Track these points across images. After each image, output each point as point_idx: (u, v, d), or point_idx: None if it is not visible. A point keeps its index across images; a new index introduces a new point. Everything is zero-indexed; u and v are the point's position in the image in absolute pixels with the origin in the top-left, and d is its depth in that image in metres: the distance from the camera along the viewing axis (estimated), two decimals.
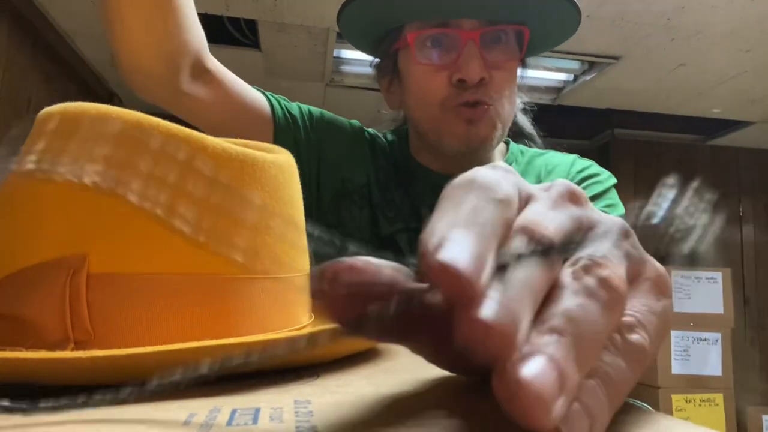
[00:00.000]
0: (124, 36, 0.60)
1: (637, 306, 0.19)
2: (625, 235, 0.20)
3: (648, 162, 3.14)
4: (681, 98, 2.52)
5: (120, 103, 2.49)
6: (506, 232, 0.18)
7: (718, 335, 2.49)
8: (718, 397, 2.44)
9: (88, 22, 1.91)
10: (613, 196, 0.74)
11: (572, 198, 0.20)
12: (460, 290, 0.15)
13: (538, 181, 0.73)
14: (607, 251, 0.18)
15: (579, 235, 0.19)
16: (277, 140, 0.70)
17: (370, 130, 0.80)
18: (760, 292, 3.18)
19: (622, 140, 3.10)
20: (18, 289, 0.29)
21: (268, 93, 0.74)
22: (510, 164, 0.74)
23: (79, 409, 0.19)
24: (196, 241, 0.31)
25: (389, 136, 0.80)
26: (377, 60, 0.76)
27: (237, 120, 0.70)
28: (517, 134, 0.83)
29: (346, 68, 2.44)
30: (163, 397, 0.23)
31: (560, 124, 2.25)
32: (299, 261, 0.37)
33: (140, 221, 0.30)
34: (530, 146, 0.83)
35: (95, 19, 1.88)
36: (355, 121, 0.80)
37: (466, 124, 0.65)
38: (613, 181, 0.75)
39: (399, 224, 0.73)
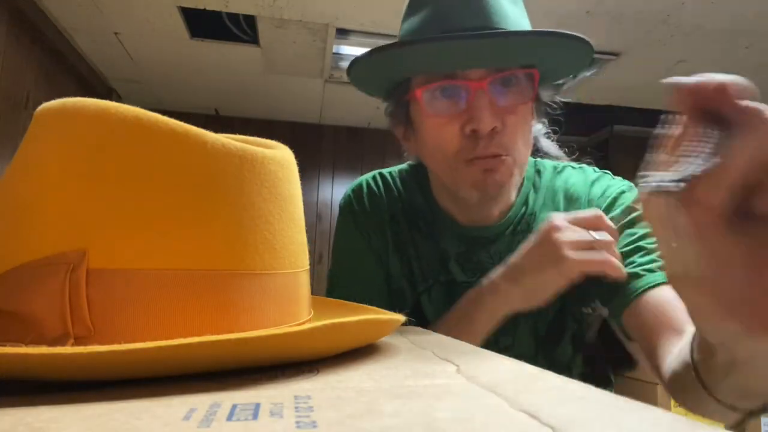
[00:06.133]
0: None
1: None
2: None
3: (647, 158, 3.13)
4: None
5: (119, 99, 2.48)
6: None
7: None
8: None
9: (86, 18, 1.90)
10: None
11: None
12: None
13: (556, 208, 0.73)
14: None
15: None
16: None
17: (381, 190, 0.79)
18: None
19: (622, 136, 3.10)
20: (18, 284, 0.29)
21: None
22: (527, 193, 0.75)
23: None
24: (195, 237, 0.31)
25: (405, 178, 0.80)
26: (391, 108, 0.74)
27: None
28: (542, 157, 0.82)
29: (345, 64, 2.42)
30: (163, 392, 0.23)
31: (559, 120, 2.25)
32: (298, 257, 0.37)
33: (139, 217, 0.30)
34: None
35: (94, 14, 1.87)
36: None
37: (483, 173, 0.63)
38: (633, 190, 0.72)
39: (430, 280, 0.74)
